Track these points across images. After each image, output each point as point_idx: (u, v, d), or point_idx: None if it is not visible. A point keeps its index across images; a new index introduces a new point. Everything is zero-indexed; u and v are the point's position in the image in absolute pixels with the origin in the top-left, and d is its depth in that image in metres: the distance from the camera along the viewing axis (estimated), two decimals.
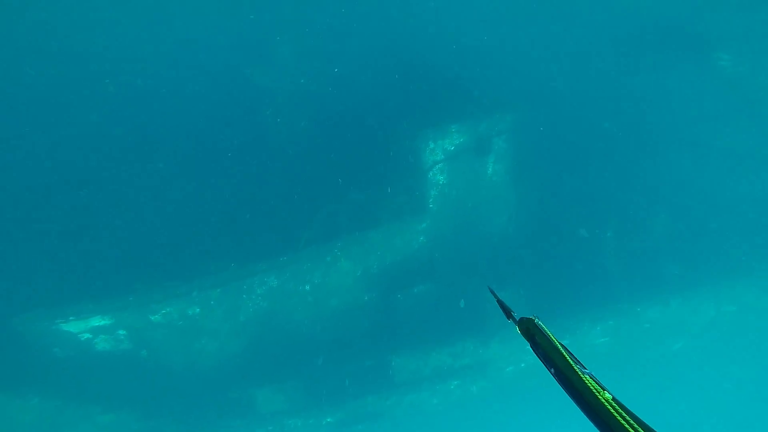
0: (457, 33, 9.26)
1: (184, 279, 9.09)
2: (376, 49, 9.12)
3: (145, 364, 9.83)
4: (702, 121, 9.75)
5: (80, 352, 9.35)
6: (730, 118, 9.78)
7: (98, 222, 8.33)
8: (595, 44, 9.53)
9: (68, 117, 7.94)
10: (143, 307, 9.14)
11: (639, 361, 13.10)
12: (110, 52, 8.03)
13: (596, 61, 9.59)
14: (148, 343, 9.61)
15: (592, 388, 1.57)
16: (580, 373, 1.67)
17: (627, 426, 1.36)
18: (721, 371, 13.95)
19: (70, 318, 8.88)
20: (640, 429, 1.35)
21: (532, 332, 2.03)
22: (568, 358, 1.77)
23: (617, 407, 1.44)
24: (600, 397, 1.50)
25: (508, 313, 2.39)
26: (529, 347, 2.04)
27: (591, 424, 1.51)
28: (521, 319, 2.16)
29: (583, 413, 1.55)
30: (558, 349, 1.85)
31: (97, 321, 9.06)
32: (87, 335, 9.20)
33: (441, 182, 9.81)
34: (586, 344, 12.37)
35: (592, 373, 1.68)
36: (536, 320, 2.09)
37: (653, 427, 1.37)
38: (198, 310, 9.50)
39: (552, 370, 1.80)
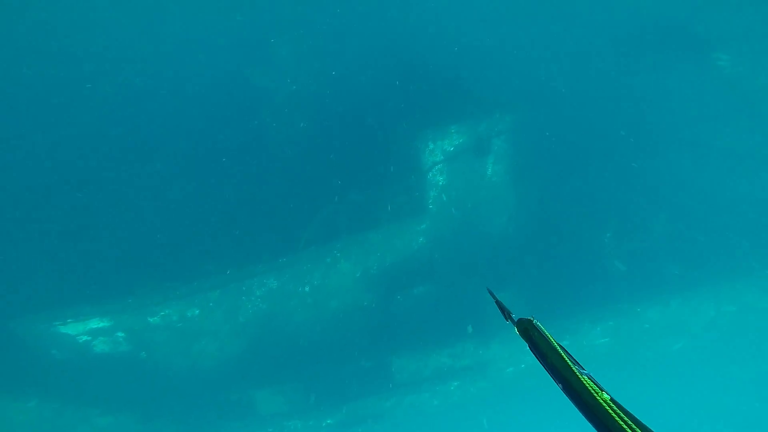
0: (456, 33, 9.26)
1: (183, 281, 9.06)
2: (375, 50, 9.12)
3: (144, 366, 9.80)
4: (701, 122, 9.75)
5: (79, 354, 9.31)
6: (730, 118, 9.78)
7: (96, 223, 8.30)
8: (594, 44, 9.53)
9: (66, 118, 7.92)
10: (142, 308, 9.12)
11: (639, 362, 13.09)
12: (108, 52, 8.01)
13: (596, 61, 9.59)
14: (147, 344, 9.59)
15: (590, 388, 1.57)
16: (578, 373, 1.67)
17: (625, 427, 1.36)
18: (721, 371, 13.94)
19: (68, 320, 8.86)
20: (638, 430, 1.35)
21: (530, 333, 2.03)
22: (566, 358, 1.77)
23: (615, 408, 1.45)
24: (598, 397, 1.51)
25: (506, 314, 2.38)
26: (527, 348, 2.03)
27: (590, 425, 1.51)
28: (519, 320, 2.16)
29: (581, 414, 1.55)
30: (556, 350, 1.85)
31: (96, 323, 9.04)
32: (85, 337, 9.17)
33: (440, 183, 9.80)
34: (587, 345, 12.36)
35: (591, 374, 1.68)
36: (534, 321, 2.09)
37: (651, 428, 1.37)
38: (197, 311, 9.48)
39: (550, 371, 1.79)
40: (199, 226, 8.84)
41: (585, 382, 1.60)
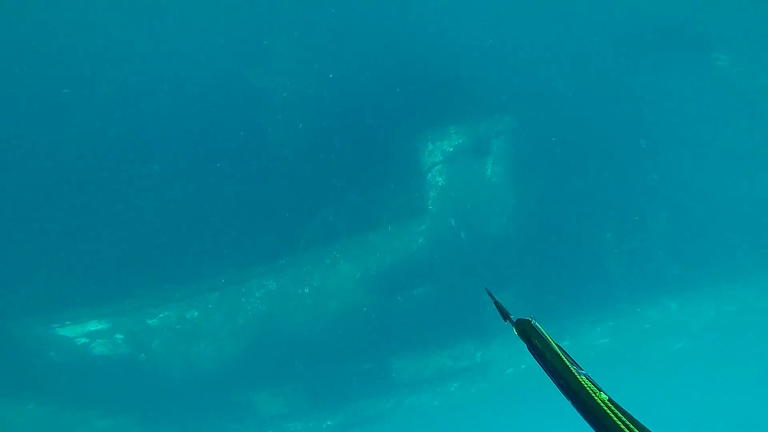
0: (454, 33, 9.26)
1: (181, 282, 9.05)
2: (373, 50, 9.11)
3: (143, 368, 9.78)
4: (701, 122, 9.76)
5: (77, 356, 9.29)
6: (729, 118, 9.78)
7: (93, 225, 8.28)
8: (593, 44, 9.53)
9: (64, 118, 7.90)
10: (140, 311, 9.10)
11: (640, 362, 13.10)
12: (107, 53, 7.99)
13: (595, 61, 9.59)
14: (146, 347, 9.57)
15: (588, 388, 1.57)
16: (576, 373, 1.67)
17: (623, 427, 1.36)
18: (721, 371, 13.96)
19: (66, 322, 8.84)
20: (636, 430, 1.35)
21: (528, 333, 2.03)
22: (564, 358, 1.77)
23: (613, 408, 1.45)
24: (596, 397, 1.51)
25: (505, 315, 2.39)
26: (526, 348, 2.03)
27: (589, 426, 1.51)
28: (518, 320, 2.16)
29: (579, 414, 1.56)
30: (554, 350, 1.84)
31: (94, 325, 9.02)
32: (84, 339, 9.15)
33: (440, 184, 9.79)
34: (587, 345, 12.36)
35: (589, 374, 1.68)
36: (533, 321, 2.08)
37: (649, 428, 1.37)
38: (196, 313, 9.46)
39: (548, 371, 1.80)
40: (198, 228, 8.82)
41: (583, 383, 1.61)
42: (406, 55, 9.25)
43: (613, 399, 1.51)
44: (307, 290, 9.87)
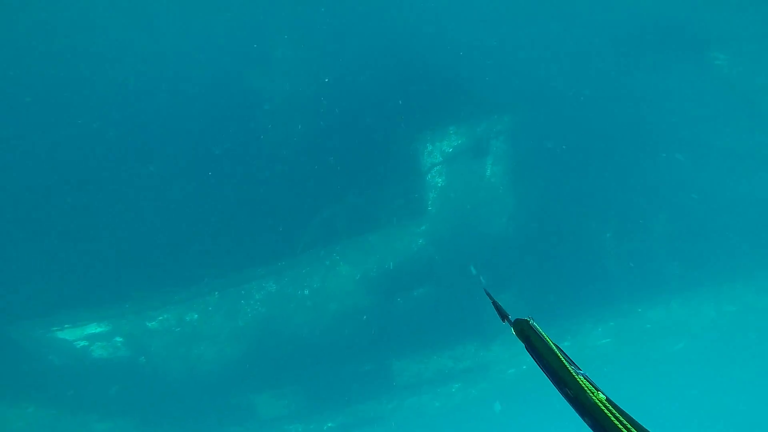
0: (453, 33, 9.26)
1: (180, 285, 9.02)
2: (372, 51, 9.11)
3: (143, 370, 9.76)
4: (701, 121, 9.76)
5: (76, 359, 9.27)
6: (729, 117, 9.78)
7: (92, 227, 8.26)
8: (592, 44, 9.54)
9: (61, 119, 7.89)
10: (140, 313, 9.08)
11: (641, 362, 13.08)
12: (104, 53, 7.99)
13: (594, 61, 9.60)
14: (146, 349, 9.55)
15: (586, 388, 1.57)
16: (574, 373, 1.67)
17: (620, 426, 1.37)
18: (722, 371, 13.95)
19: (66, 325, 8.81)
20: (633, 429, 1.35)
21: (526, 333, 2.03)
22: (562, 358, 1.77)
23: (611, 408, 1.45)
24: (594, 397, 1.52)
25: (503, 315, 2.38)
26: (522, 348, 2.03)
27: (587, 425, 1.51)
28: (516, 320, 2.16)
29: (577, 414, 1.56)
30: (552, 350, 1.84)
31: (93, 328, 8.99)
32: (83, 342, 9.13)
33: (439, 184, 9.78)
34: (588, 345, 12.34)
35: (587, 374, 1.69)
36: (531, 321, 2.09)
37: (647, 428, 1.37)
38: (196, 316, 9.44)
39: (546, 371, 1.80)
40: (197, 230, 8.80)
41: (581, 382, 1.61)
42: (405, 55, 9.25)
43: (611, 398, 1.51)
44: (306, 292, 9.85)
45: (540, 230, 10.27)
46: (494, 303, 2.55)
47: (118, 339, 9.26)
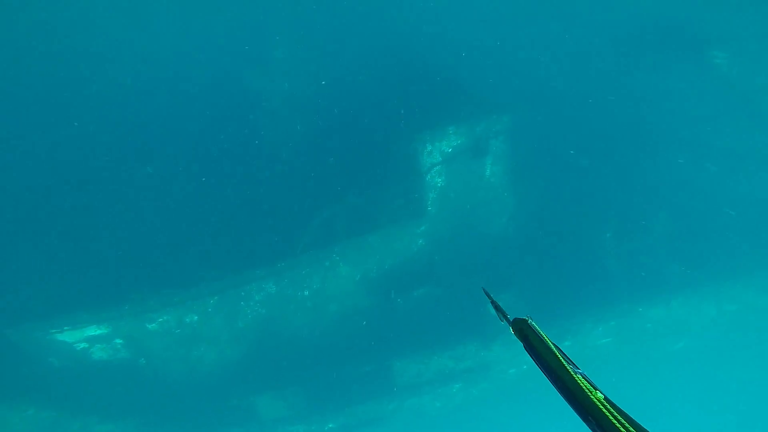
0: (452, 33, 9.25)
1: (180, 287, 9.02)
2: (371, 51, 9.10)
3: (144, 372, 9.75)
4: (700, 121, 9.75)
5: (76, 361, 9.26)
6: (728, 117, 9.78)
7: (91, 229, 8.25)
8: (591, 44, 9.53)
9: (59, 121, 7.88)
10: (140, 315, 9.07)
11: (641, 361, 13.08)
12: (103, 53, 7.97)
13: (593, 61, 9.59)
14: (146, 351, 9.54)
15: (584, 387, 1.58)
16: (572, 372, 1.67)
17: (618, 425, 1.37)
18: (722, 370, 13.94)
19: (65, 328, 8.80)
20: (631, 428, 1.36)
21: (525, 333, 2.03)
22: (560, 357, 1.77)
23: (609, 407, 1.46)
24: (592, 396, 1.52)
25: (501, 314, 2.39)
26: (523, 348, 2.04)
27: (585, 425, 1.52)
28: (515, 319, 2.17)
29: (575, 413, 1.56)
30: (551, 349, 1.85)
31: (93, 330, 8.99)
32: (83, 344, 9.12)
33: (439, 185, 9.77)
34: (589, 345, 12.34)
35: (585, 373, 1.70)
36: (529, 321, 2.09)
37: (644, 427, 1.38)
38: (196, 317, 9.43)
39: (545, 371, 1.81)
40: (196, 231, 8.79)
41: (579, 381, 1.62)
42: (404, 55, 9.24)
43: (609, 398, 1.52)
44: (306, 293, 9.84)
45: (540, 230, 10.26)
46: (493, 302, 2.56)
47: (118, 341, 9.25)
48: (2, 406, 9.42)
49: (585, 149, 9.80)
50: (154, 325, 9.27)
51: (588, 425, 1.48)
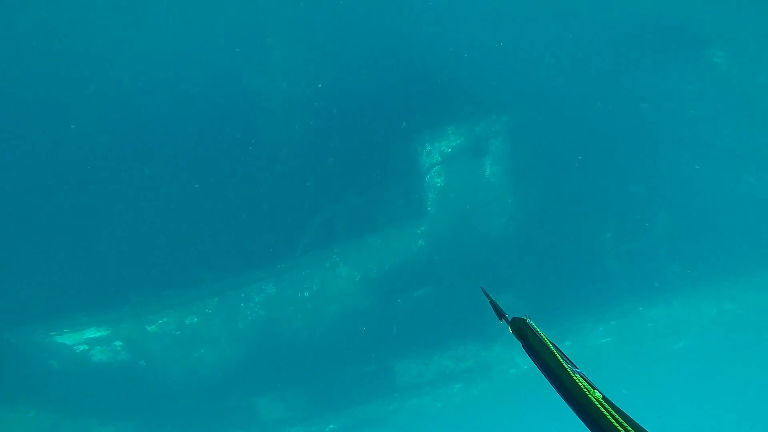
0: (452, 33, 9.25)
1: (180, 288, 9.01)
2: (370, 51, 9.10)
3: (144, 374, 9.74)
4: (700, 120, 9.75)
5: (77, 363, 9.25)
6: (728, 116, 9.77)
7: (89, 232, 8.24)
8: (590, 43, 9.53)
9: (57, 122, 7.87)
10: (139, 317, 9.06)
11: (642, 361, 13.07)
12: (102, 53, 7.96)
13: (592, 60, 9.59)
14: (146, 353, 9.53)
15: (582, 387, 1.57)
16: (570, 372, 1.67)
17: (616, 425, 1.37)
18: (723, 369, 13.93)
19: (65, 330, 8.79)
20: (629, 428, 1.35)
21: (523, 332, 2.01)
22: (558, 357, 1.76)
23: (607, 406, 1.45)
24: (590, 396, 1.52)
25: (500, 314, 2.38)
26: (521, 347, 2.04)
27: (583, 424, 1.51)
28: (513, 319, 2.15)
29: (573, 412, 1.56)
30: (549, 349, 1.83)
31: (93, 332, 8.98)
32: (83, 347, 9.11)
33: (439, 185, 9.77)
34: (590, 345, 12.33)
35: (583, 373, 1.69)
36: (528, 320, 2.07)
37: (643, 426, 1.37)
38: (196, 319, 9.42)
39: (543, 370, 1.79)
40: (196, 233, 8.78)
41: (577, 381, 1.61)
42: (403, 55, 9.24)
43: (608, 397, 1.51)
44: (306, 294, 9.83)
45: (540, 230, 10.25)
46: (491, 302, 2.56)
47: (118, 343, 9.25)
48: (2, 408, 9.41)
49: (584, 149, 9.80)
50: (153, 326, 9.26)
51: (586, 425, 1.48)
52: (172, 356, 9.71)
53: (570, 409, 1.60)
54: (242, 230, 8.96)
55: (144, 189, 8.32)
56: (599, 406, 1.45)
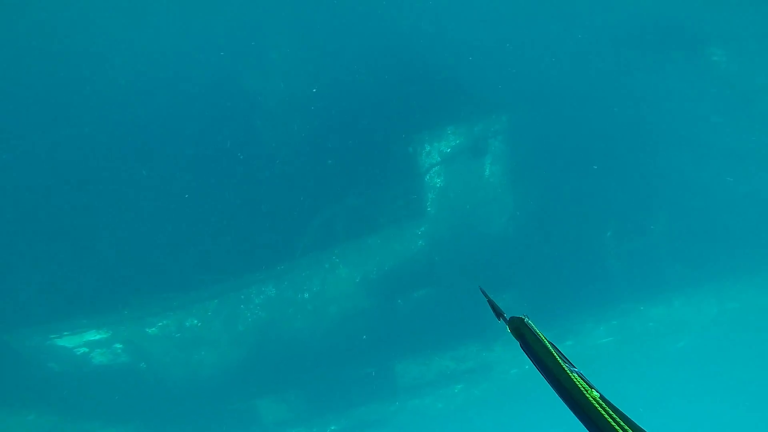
0: (451, 33, 9.25)
1: (180, 290, 9.01)
2: (369, 51, 9.09)
3: (144, 377, 9.74)
4: (699, 119, 9.74)
5: (77, 366, 9.25)
6: (727, 115, 9.77)
7: (88, 234, 8.24)
8: (589, 42, 9.52)
9: (56, 122, 7.87)
10: (139, 320, 9.06)
11: (644, 360, 13.06)
12: (101, 53, 7.96)
13: (592, 60, 9.58)
14: (147, 355, 9.53)
15: (579, 386, 1.58)
16: (568, 371, 1.67)
17: (614, 424, 1.37)
18: (724, 368, 13.92)
19: (64, 333, 8.79)
20: (626, 427, 1.35)
21: (521, 331, 2.04)
22: (557, 356, 1.78)
23: (604, 405, 1.46)
24: (588, 395, 1.52)
25: (498, 313, 2.39)
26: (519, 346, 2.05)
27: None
28: (511, 318, 2.17)
29: (571, 412, 1.56)
30: (547, 348, 1.85)
31: (93, 335, 8.98)
32: (83, 349, 9.11)
33: (438, 185, 9.76)
34: (591, 345, 12.32)
35: (581, 372, 1.70)
36: (526, 319, 2.09)
37: (640, 425, 1.37)
38: (196, 321, 9.42)
39: (541, 369, 1.81)
40: (195, 234, 8.78)
41: (575, 380, 1.61)
42: (402, 55, 9.23)
43: (606, 396, 1.52)
44: (306, 296, 9.83)
45: (540, 230, 10.24)
46: (489, 301, 2.57)
47: (118, 345, 9.24)
48: (2, 411, 9.41)
49: (584, 148, 9.79)
50: (154, 329, 9.26)
51: (583, 424, 1.48)
52: (173, 358, 9.71)
53: (568, 408, 1.60)
54: (242, 232, 8.95)
55: (143, 190, 8.32)
56: (596, 405, 1.46)
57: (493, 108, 9.51)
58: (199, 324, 9.44)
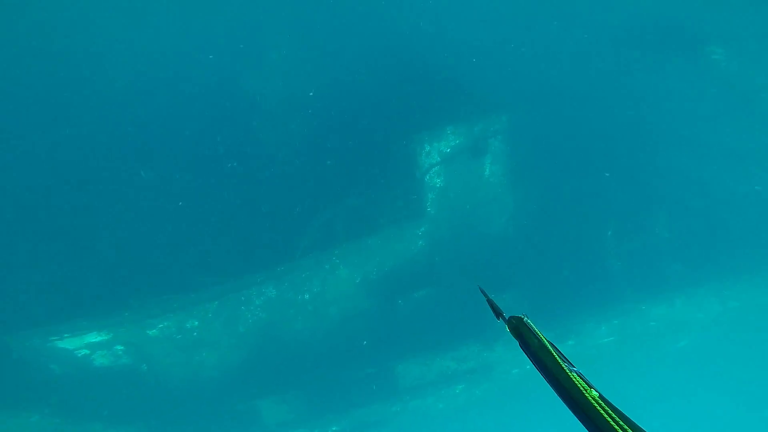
0: (450, 32, 9.24)
1: (180, 292, 9.01)
2: (369, 51, 9.09)
3: (145, 378, 9.74)
4: (699, 118, 9.73)
5: (78, 368, 9.26)
6: (728, 114, 9.75)
7: (87, 235, 8.24)
8: (588, 42, 9.52)
9: (56, 122, 7.88)
10: (140, 321, 9.07)
11: (645, 359, 13.05)
12: (99, 53, 7.96)
13: (592, 59, 9.57)
14: (148, 357, 9.53)
15: (579, 386, 1.57)
16: (567, 371, 1.67)
17: (613, 423, 1.36)
18: (725, 368, 13.90)
19: (65, 335, 8.80)
20: (625, 426, 1.35)
21: (520, 330, 2.03)
22: (556, 356, 1.77)
23: (603, 405, 1.45)
24: (587, 395, 1.51)
25: (497, 313, 2.39)
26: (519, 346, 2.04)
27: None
28: (510, 317, 2.17)
29: (570, 411, 1.56)
30: (546, 347, 1.84)
31: (93, 337, 8.98)
32: (84, 351, 9.12)
33: (438, 185, 9.75)
34: (592, 344, 12.30)
35: (580, 371, 1.69)
36: (525, 319, 2.09)
37: (639, 425, 1.37)
38: (196, 323, 9.42)
39: (540, 368, 1.80)
40: (195, 236, 8.78)
41: (574, 380, 1.61)
42: (401, 55, 9.23)
43: (606, 396, 1.51)
44: (307, 296, 9.83)
45: (540, 230, 10.23)
46: (489, 300, 2.56)
47: (119, 347, 9.25)
48: (5, 413, 9.42)
49: (584, 148, 9.78)
50: (154, 330, 9.26)
51: (583, 423, 1.47)
52: (174, 360, 9.71)
53: (567, 408, 1.59)
54: (242, 233, 8.95)
55: (143, 192, 8.32)
56: (596, 404, 1.45)
57: (492, 108, 9.50)
58: (200, 325, 9.45)
